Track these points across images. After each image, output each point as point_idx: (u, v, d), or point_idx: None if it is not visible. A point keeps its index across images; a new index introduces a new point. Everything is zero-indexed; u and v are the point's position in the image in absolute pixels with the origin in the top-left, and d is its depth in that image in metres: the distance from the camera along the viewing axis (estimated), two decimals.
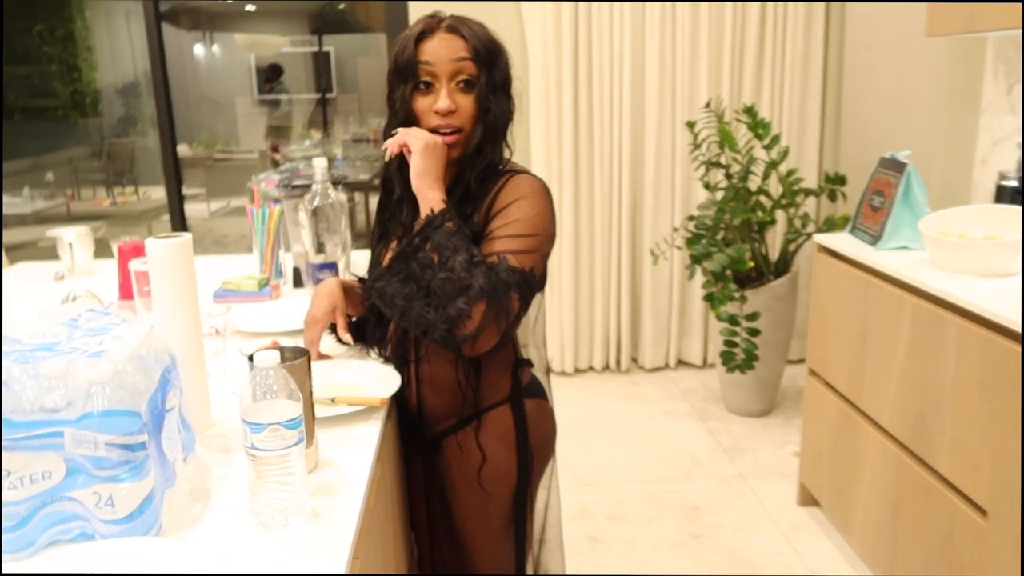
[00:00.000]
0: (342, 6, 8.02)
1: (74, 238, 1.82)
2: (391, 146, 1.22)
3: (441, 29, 1.23)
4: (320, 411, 1.12)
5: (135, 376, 0.86)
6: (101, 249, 2.15)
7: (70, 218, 6.85)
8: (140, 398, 0.85)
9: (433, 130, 1.22)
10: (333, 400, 1.16)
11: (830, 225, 2.98)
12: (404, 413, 1.35)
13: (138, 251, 1.67)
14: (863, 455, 2.09)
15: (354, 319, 1.42)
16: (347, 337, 1.36)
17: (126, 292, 1.76)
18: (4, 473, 0.80)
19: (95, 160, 8.10)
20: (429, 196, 1.20)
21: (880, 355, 1.99)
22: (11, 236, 5.67)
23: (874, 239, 2.11)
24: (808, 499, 2.49)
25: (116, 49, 8.31)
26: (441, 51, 1.21)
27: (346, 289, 1.40)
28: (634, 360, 3.71)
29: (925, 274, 1.83)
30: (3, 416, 0.80)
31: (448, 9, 1.32)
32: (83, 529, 0.85)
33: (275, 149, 6.89)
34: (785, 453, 2.84)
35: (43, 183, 7.35)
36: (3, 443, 0.80)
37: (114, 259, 1.81)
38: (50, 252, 2.14)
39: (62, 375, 0.83)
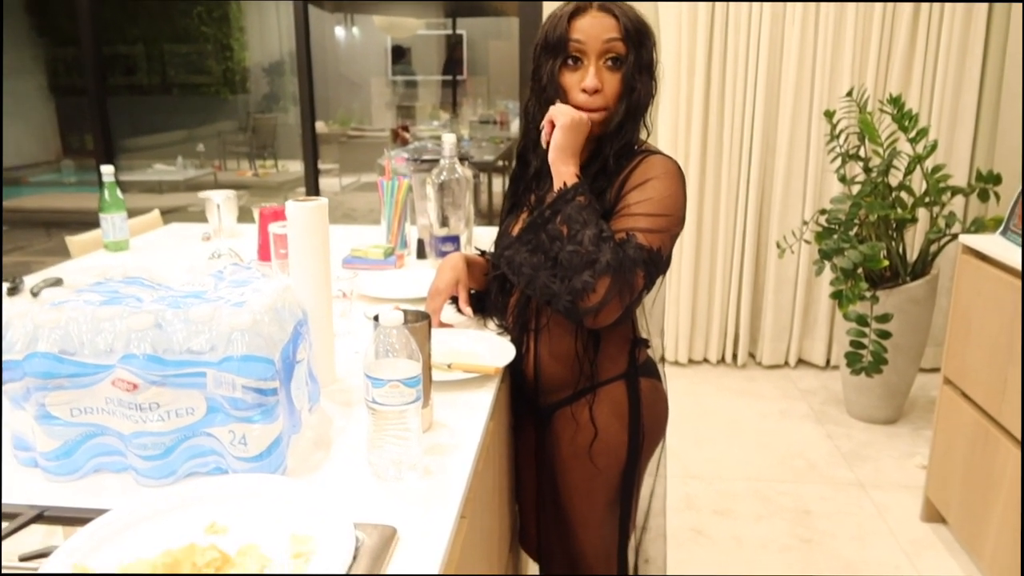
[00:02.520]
0: None
1: (222, 200, 1.96)
2: (545, 125, 1.24)
3: (593, 8, 1.24)
4: (437, 375, 1.16)
5: (271, 327, 0.92)
6: (243, 216, 2.29)
7: (217, 186, 7.32)
8: (274, 347, 0.91)
9: (577, 106, 1.24)
10: (450, 366, 1.20)
11: (978, 226, 2.77)
12: (520, 383, 1.38)
13: (278, 216, 1.77)
14: (1000, 474, 1.95)
15: (474, 292, 1.46)
16: (467, 310, 1.40)
17: (264, 254, 1.87)
18: (154, 405, 0.88)
19: (241, 134, 8.63)
20: (563, 170, 1.22)
21: None
22: (165, 200, 6.15)
23: None
24: (933, 515, 2.35)
25: (264, 29, 8.80)
26: (593, 29, 1.22)
27: (469, 263, 1.44)
28: (751, 355, 3.59)
29: None
30: (157, 354, 0.88)
31: None
32: (218, 464, 0.92)
33: (405, 128, 7.11)
34: (911, 465, 2.68)
35: (195, 153, 7.92)
36: (156, 379, 0.87)
37: (255, 224, 1.93)
38: (198, 217, 2.31)
39: (208, 320, 0.89)
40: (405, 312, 1.02)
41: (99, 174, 2.08)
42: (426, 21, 8.51)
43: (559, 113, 1.22)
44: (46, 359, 0.88)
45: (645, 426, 1.34)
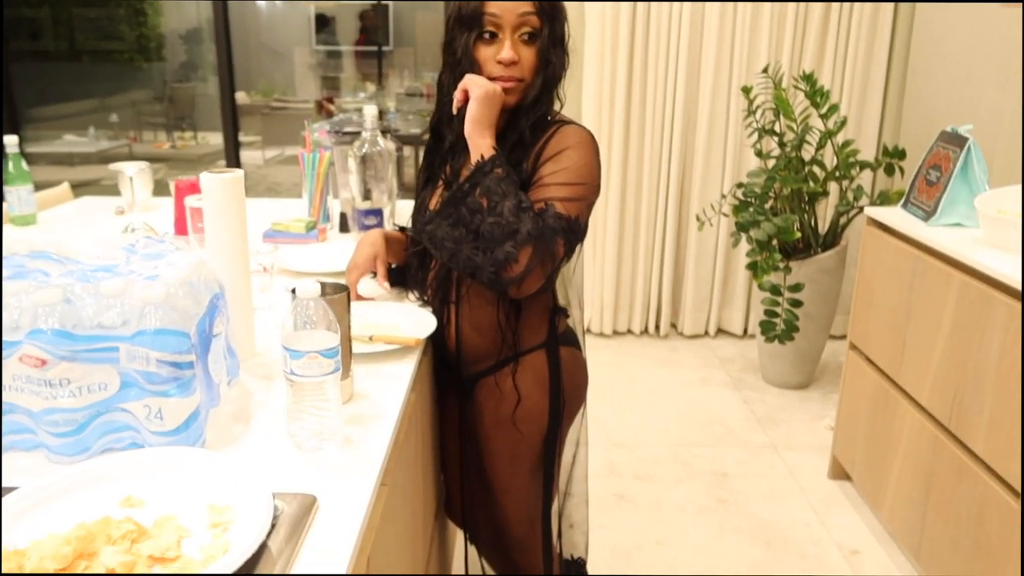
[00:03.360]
0: None
1: (135, 172, 1.90)
2: (457, 95, 1.25)
3: None
4: (358, 347, 1.16)
5: (186, 300, 0.91)
6: (159, 189, 2.22)
7: (132, 159, 7.03)
8: (190, 320, 0.90)
9: (493, 79, 1.25)
10: (371, 338, 1.21)
11: (884, 199, 2.91)
12: (443, 355, 1.40)
13: (194, 188, 1.73)
14: (898, 431, 2.08)
15: (394, 266, 1.47)
16: (385, 285, 1.41)
17: (181, 228, 1.83)
18: (65, 381, 0.86)
19: (157, 104, 8.28)
20: (480, 143, 1.23)
21: (923, 332, 1.96)
22: (76, 173, 5.88)
23: (927, 214, 2.06)
24: (840, 473, 2.49)
25: None
26: (508, 3, 1.23)
27: (389, 239, 1.45)
28: (673, 326, 3.70)
29: (976, 252, 1.79)
30: (66, 329, 0.86)
31: None
32: (134, 439, 0.91)
33: (330, 100, 6.96)
34: (820, 427, 2.83)
35: (108, 124, 7.57)
36: (65, 354, 0.86)
37: (171, 198, 1.89)
38: (112, 190, 2.23)
39: (119, 295, 0.88)
40: (324, 284, 1.02)
41: (1, 145, 1.98)
42: None
43: (473, 84, 1.23)
44: None
45: (566, 392, 1.38)
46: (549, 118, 1.30)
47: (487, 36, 1.24)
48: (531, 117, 1.27)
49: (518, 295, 1.22)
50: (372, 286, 1.44)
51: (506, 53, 1.23)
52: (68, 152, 6.44)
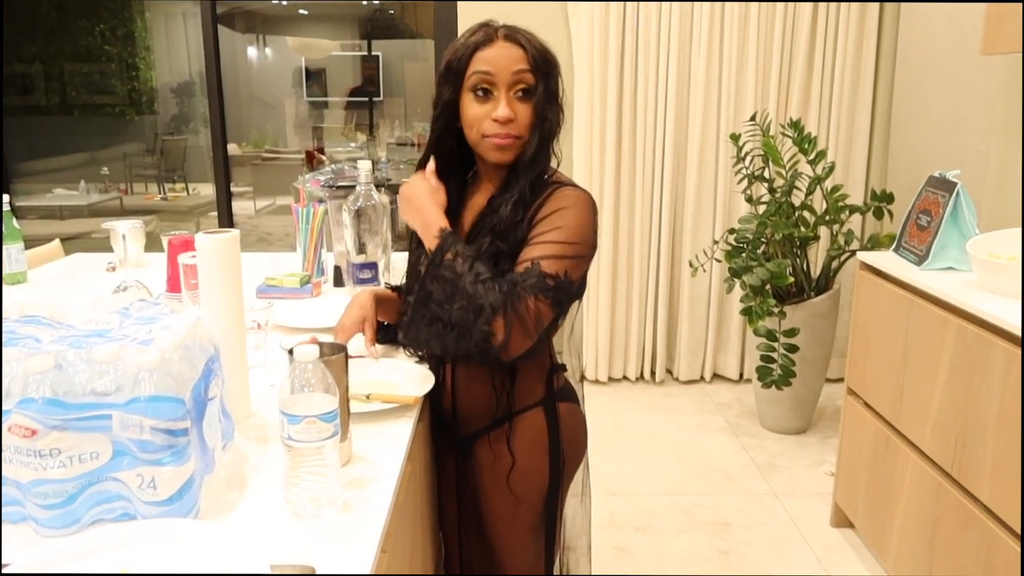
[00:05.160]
0: (392, 11, 8.14)
1: (128, 230, 1.89)
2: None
3: (500, 38, 1.23)
4: (355, 407, 1.14)
5: (181, 365, 0.90)
6: (151, 242, 2.22)
7: (123, 211, 7.06)
8: (185, 386, 0.88)
9: (488, 137, 1.23)
10: (368, 397, 1.19)
11: (874, 243, 2.93)
12: (438, 414, 1.37)
13: (187, 245, 1.72)
14: (900, 478, 2.05)
15: (387, 324, 1.45)
16: (372, 349, 1.38)
17: (174, 285, 1.81)
18: (55, 451, 0.84)
19: (148, 156, 8.33)
20: (426, 237, 1.25)
21: (921, 377, 1.95)
22: (67, 227, 5.87)
23: (920, 259, 2.07)
24: (842, 520, 2.45)
25: (173, 49, 8.55)
26: (501, 60, 1.21)
27: (379, 298, 1.42)
28: (669, 372, 3.68)
29: (971, 296, 1.80)
30: (58, 397, 0.84)
31: (497, 12, 1.34)
32: (126, 509, 0.89)
33: (320, 150, 7.01)
34: (820, 473, 2.80)
35: (98, 177, 7.60)
36: (57, 423, 0.84)
37: (163, 252, 1.87)
38: (103, 243, 2.22)
39: (113, 360, 0.86)
40: (321, 344, 1.01)
41: None
42: (341, 43, 8.45)
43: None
44: None
45: (565, 451, 1.35)
46: (547, 176, 1.28)
47: (480, 93, 1.23)
48: (530, 175, 1.25)
49: (509, 358, 1.18)
50: (360, 348, 1.42)
51: (502, 111, 1.21)
52: (58, 205, 6.44)
